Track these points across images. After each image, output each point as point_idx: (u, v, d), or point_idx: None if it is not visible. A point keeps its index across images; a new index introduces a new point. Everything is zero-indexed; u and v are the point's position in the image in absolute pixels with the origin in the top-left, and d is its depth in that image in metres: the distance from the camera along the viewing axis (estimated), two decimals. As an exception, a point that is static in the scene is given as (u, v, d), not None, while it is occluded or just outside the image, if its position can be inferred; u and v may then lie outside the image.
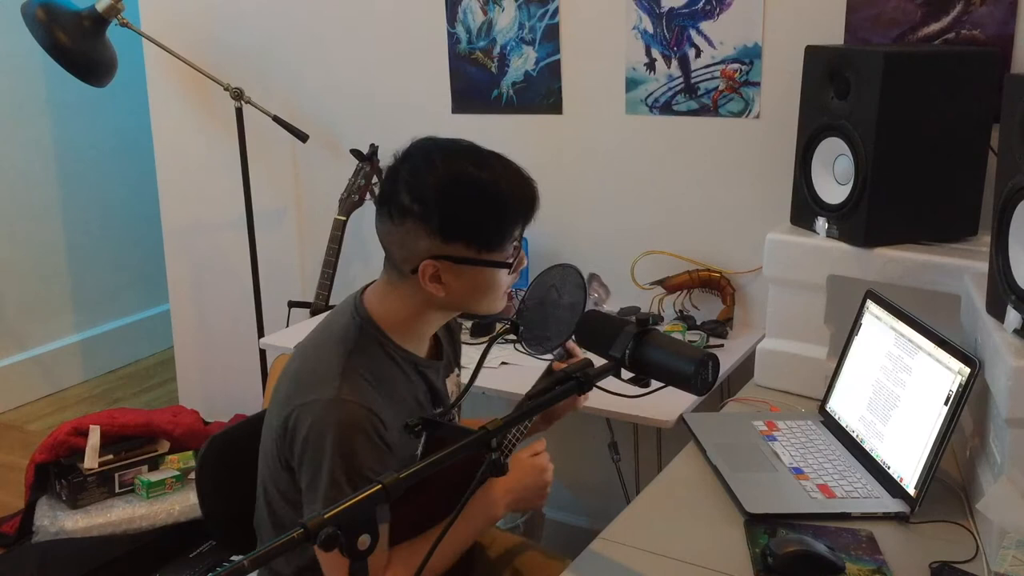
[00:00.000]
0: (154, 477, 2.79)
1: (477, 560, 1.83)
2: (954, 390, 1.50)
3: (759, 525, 1.50)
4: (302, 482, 1.46)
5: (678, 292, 2.54)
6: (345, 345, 1.49)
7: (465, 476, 1.54)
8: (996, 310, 1.54)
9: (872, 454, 1.66)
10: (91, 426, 2.75)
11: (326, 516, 0.97)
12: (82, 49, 2.87)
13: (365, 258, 3.07)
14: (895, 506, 1.54)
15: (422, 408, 1.57)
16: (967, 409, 1.51)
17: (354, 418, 1.41)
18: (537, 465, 1.65)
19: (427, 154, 1.47)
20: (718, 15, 2.39)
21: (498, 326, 1.76)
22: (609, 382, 1.37)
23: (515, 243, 1.49)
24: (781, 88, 2.34)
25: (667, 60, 2.48)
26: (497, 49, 2.70)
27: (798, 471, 1.66)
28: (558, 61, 2.63)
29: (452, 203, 1.43)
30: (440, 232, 1.43)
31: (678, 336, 2.32)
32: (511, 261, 1.50)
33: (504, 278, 1.51)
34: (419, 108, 2.87)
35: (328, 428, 1.41)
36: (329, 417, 1.41)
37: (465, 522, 1.56)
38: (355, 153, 2.84)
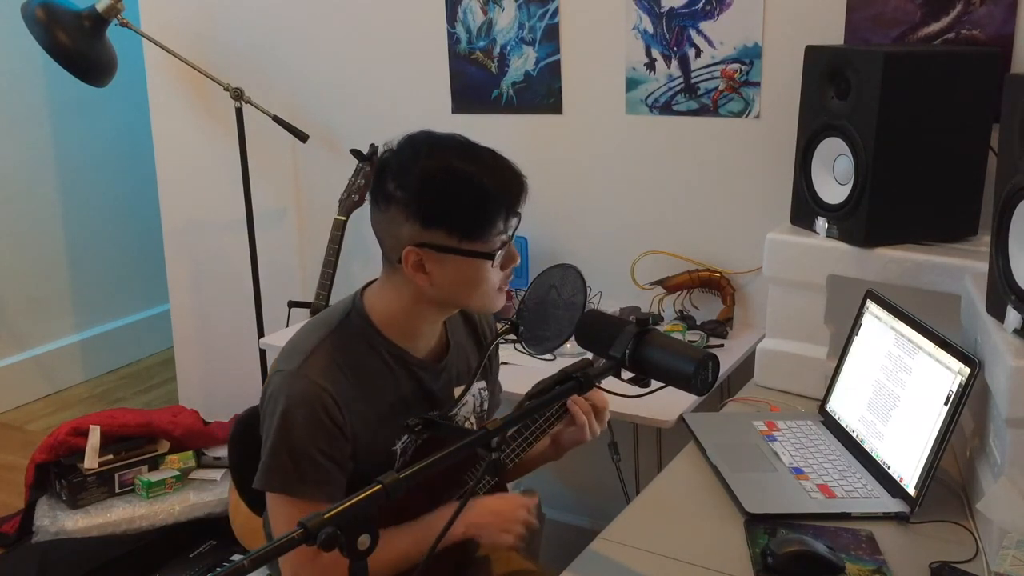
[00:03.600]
0: (154, 477, 2.79)
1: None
2: (954, 390, 1.50)
3: (759, 525, 1.50)
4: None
5: (678, 292, 2.54)
6: (327, 328, 1.53)
7: (448, 479, 1.54)
8: (996, 310, 1.54)
9: (872, 454, 1.66)
10: (91, 426, 2.76)
11: (326, 516, 0.97)
12: (82, 49, 2.86)
13: (365, 258, 3.07)
14: (895, 506, 1.54)
15: (407, 407, 1.56)
16: (967, 409, 1.51)
17: (305, 394, 1.45)
18: (516, 500, 1.58)
19: (416, 145, 1.49)
20: (718, 15, 2.39)
21: (498, 326, 1.75)
22: (609, 382, 1.37)
23: (501, 236, 1.48)
24: (781, 88, 2.34)
25: (667, 60, 2.48)
26: (497, 49, 2.70)
27: (798, 471, 1.66)
28: (558, 61, 2.63)
29: (432, 190, 1.44)
30: (420, 218, 1.44)
31: (678, 336, 2.32)
32: (494, 253, 1.48)
33: (491, 272, 1.50)
34: (419, 108, 2.87)
35: (280, 398, 1.46)
36: (284, 388, 1.47)
37: (420, 528, 1.51)
38: (355, 153, 2.84)
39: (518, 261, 1.55)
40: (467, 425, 1.71)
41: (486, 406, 1.75)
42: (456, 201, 1.45)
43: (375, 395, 1.52)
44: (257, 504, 1.77)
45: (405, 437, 1.55)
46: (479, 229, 1.46)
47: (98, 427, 2.76)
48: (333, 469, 1.47)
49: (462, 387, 1.68)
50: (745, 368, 2.25)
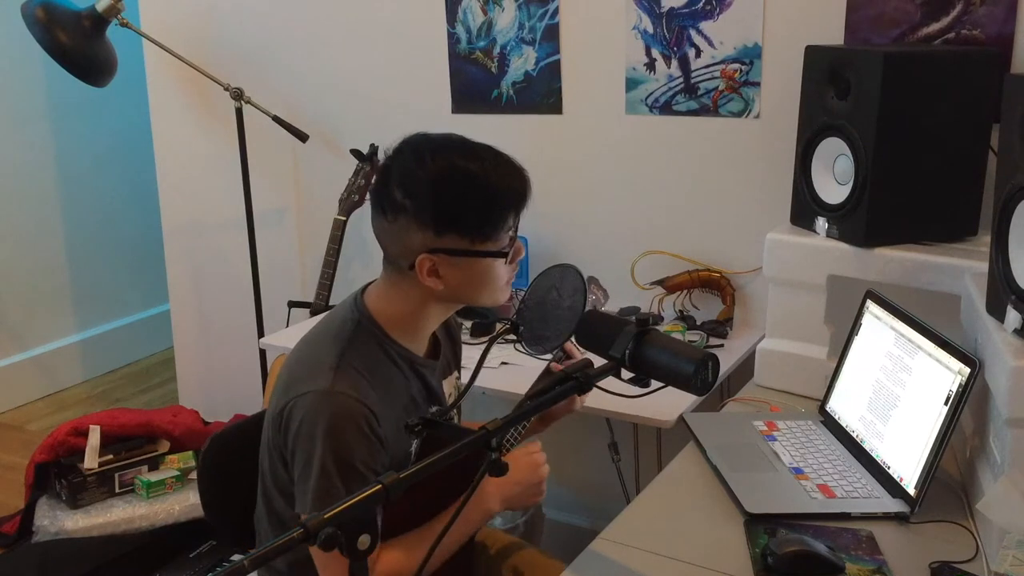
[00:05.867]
0: (154, 477, 2.79)
1: (478, 560, 1.83)
2: (954, 390, 1.50)
3: (759, 525, 1.50)
4: (294, 473, 1.47)
5: (678, 292, 2.54)
6: (341, 339, 1.51)
7: (460, 472, 1.55)
8: (996, 310, 1.54)
9: (872, 454, 1.66)
10: (91, 426, 2.76)
11: (326, 516, 0.97)
12: (82, 49, 2.86)
13: (365, 258, 3.07)
14: (895, 506, 1.54)
15: (417, 406, 1.57)
16: (967, 409, 1.51)
17: (346, 410, 1.43)
18: (531, 462, 1.63)
19: (417, 150, 1.48)
20: (718, 15, 2.39)
21: (498, 326, 1.76)
22: (609, 382, 1.37)
23: (510, 232, 1.50)
24: (781, 88, 2.34)
25: (667, 60, 2.48)
26: (497, 49, 2.70)
27: (798, 471, 1.66)
28: (558, 61, 2.63)
29: (443, 196, 1.44)
30: (433, 225, 1.45)
31: (678, 336, 2.32)
32: (507, 250, 1.50)
33: (502, 268, 1.52)
34: (419, 108, 2.87)
35: (320, 419, 1.42)
36: (321, 408, 1.43)
37: (459, 520, 1.55)
38: (355, 153, 2.84)
39: (523, 254, 1.57)
40: (455, 414, 1.73)
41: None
42: (467, 205, 1.45)
43: (394, 399, 1.52)
44: (226, 528, 1.76)
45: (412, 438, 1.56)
46: (491, 229, 1.47)
47: (98, 427, 2.76)
48: None
49: (452, 380, 1.70)
50: (745, 368, 2.25)
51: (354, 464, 1.42)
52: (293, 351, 1.58)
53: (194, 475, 2.85)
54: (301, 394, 1.46)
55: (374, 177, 2.80)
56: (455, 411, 1.74)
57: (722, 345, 2.39)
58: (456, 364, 1.75)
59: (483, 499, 1.58)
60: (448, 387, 1.69)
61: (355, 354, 1.49)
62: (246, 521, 1.70)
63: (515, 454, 1.66)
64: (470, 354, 1.78)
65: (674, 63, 2.47)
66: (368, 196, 2.83)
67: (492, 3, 2.67)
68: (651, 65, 2.50)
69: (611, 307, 2.59)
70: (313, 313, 2.85)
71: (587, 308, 1.67)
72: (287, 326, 2.95)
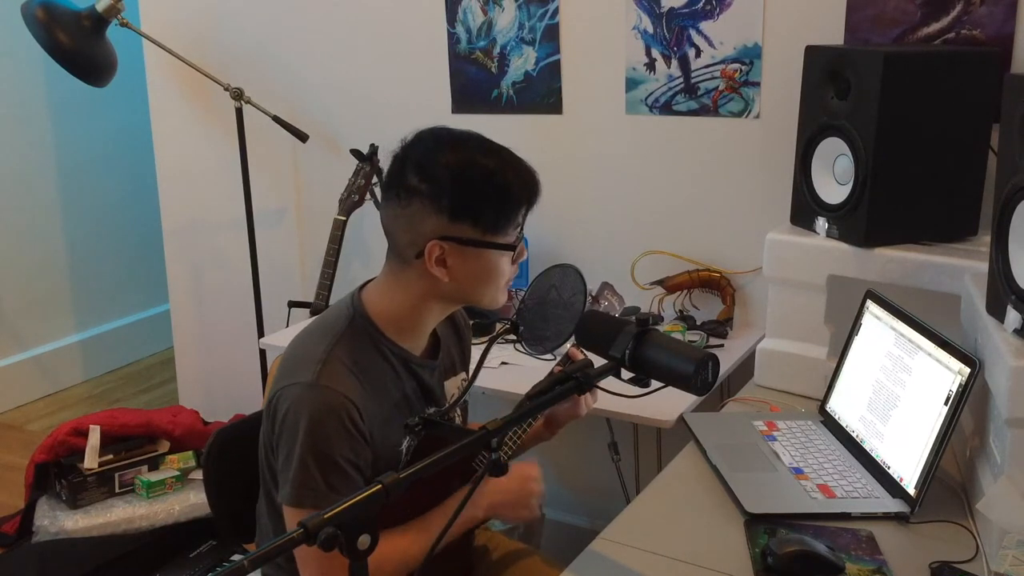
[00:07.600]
0: (154, 477, 2.79)
1: (478, 563, 1.83)
2: (954, 390, 1.50)
3: (759, 525, 1.50)
4: (278, 462, 1.49)
5: (678, 292, 2.54)
6: (333, 334, 1.51)
7: (453, 471, 1.55)
8: (996, 310, 1.54)
9: (872, 454, 1.66)
10: (91, 426, 2.76)
11: (326, 516, 0.97)
12: (82, 49, 2.87)
13: (365, 258, 3.07)
14: (895, 506, 1.54)
15: (411, 405, 1.57)
16: (967, 409, 1.51)
17: (329, 404, 1.43)
18: (523, 473, 1.63)
19: (437, 138, 1.50)
20: (718, 15, 2.39)
21: (498, 326, 1.76)
22: (609, 382, 1.37)
23: (518, 230, 1.51)
24: (781, 88, 2.34)
25: (667, 60, 2.48)
26: (497, 49, 2.70)
27: (798, 471, 1.66)
28: (558, 61, 2.63)
29: (461, 184, 1.45)
30: (448, 212, 1.45)
31: (678, 336, 2.32)
32: (515, 245, 1.51)
33: (506, 266, 1.52)
34: (419, 108, 2.87)
35: (302, 411, 1.43)
36: (305, 400, 1.43)
37: (442, 518, 1.54)
38: (355, 153, 2.84)
39: (526, 255, 1.57)
40: (458, 415, 1.73)
41: (466, 396, 1.76)
42: (484, 196, 1.46)
43: (384, 397, 1.52)
44: (231, 523, 1.77)
45: (408, 437, 1.55)
46: (504, 223, 1.48)
47: (98, 427, 2.76)
48: (359, 478, 1.46)
49: (456, 380, 1.70)
50: (745, 368, 2.25)
51: (334, 458, 1.43)
52: (288, 346, 1.59)
53: (194, 475, 2.85)
54: (287, 386, 1.47)
55: (376, 178, 2.83)
56: (458, 411, 1.74)
57: (722, 345, 2.39)
58: (463, 364, 1.75)
59: (469, 503, 1.57)
60: (452, 387, 1.69)
61: (344, 349, 1.49)
62: (251, 516, 1.71)
63: (514, 469, 1.66)
64: (470, 354, 1.79)
65: (674, 63, 2.47)
66: (368, 196, 2.83)
67: (492, 3, 2.68)
68: (651, 65, 2.50)
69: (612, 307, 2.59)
70: (313, 313, 2.85)
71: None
72: (287, 326, 2.95)
